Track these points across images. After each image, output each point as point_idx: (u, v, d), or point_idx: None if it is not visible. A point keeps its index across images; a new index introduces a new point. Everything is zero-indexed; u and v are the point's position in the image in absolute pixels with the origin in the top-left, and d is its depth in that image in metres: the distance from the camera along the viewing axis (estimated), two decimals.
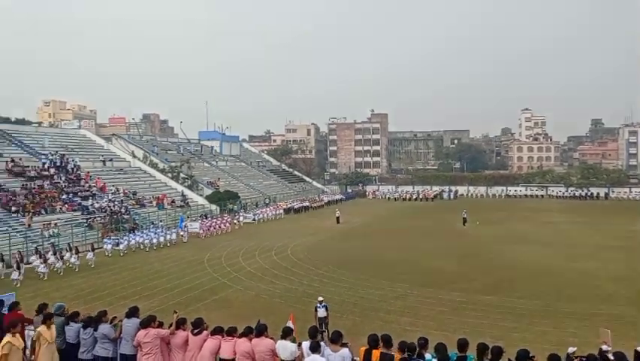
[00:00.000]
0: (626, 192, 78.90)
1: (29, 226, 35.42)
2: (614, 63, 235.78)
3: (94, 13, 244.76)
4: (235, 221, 48.11)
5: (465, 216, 46.98)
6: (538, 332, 17.03)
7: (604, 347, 9.33)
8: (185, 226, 41.34)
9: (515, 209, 60.07)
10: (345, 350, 8.24)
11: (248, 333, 9.06)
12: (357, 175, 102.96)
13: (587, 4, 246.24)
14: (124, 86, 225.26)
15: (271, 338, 8.89)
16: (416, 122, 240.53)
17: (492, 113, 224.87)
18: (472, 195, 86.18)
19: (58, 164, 48.46)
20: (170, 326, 9.60)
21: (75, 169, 49.37)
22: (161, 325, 9.69)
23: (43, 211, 38.51)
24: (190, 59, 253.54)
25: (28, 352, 9.59)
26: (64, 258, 28.68)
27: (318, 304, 16.63)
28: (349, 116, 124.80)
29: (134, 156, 63.11)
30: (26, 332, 10.44)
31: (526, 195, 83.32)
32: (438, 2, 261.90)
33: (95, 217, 40.91)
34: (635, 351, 8.08)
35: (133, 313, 10.03)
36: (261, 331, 8.88)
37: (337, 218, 49.61)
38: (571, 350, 9.04)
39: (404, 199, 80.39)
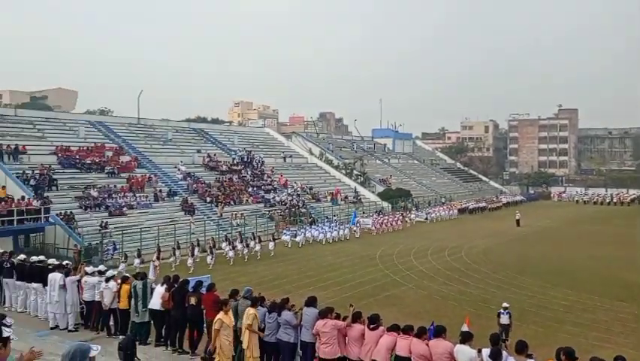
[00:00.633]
0: None
1: (221, 215, 39.27)
2: None
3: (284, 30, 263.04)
4: (407, 219, 47.93)
5: None
6: None
7: None
8: (357, 222, 42.29)
9: None
10: None
11: (422, 333, 8.84)
12: (540, 175, 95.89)
13: None
14: (302, 87, 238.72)
15: (449, 341, 8.56)
16: (611, 118, 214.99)
17: None
18: None
19: (245, 159, 53.04)
20: (346, 318, 9.79)
21: (259, 164, 53.56)
22: (338, 316, 9.92)
23: (232, 202, 42.41)
24: (364, 54, 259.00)
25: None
26: (249, 246, 31.19)
27: (502, 311, 15.83)
28: (532, 112, 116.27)
29: (311, 153, 66.43)
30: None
31: None
32: None
33: (276, 210, 43.93)
34: None
35: (311, 302, 10.43)
36: (439, 332, 8.60)
37: (517, 221, 46.67)
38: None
39: (595, 203, 72.78)
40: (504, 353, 7.95)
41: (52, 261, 15.51)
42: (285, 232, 37.04)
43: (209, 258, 27.95)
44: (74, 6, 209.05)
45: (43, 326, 13.69)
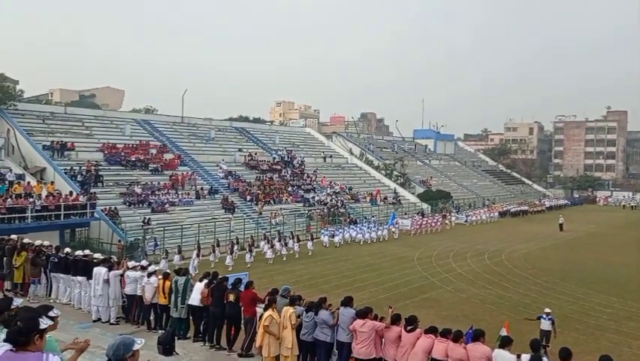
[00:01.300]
0: None
1: (260, 213, 39.70)
2: None
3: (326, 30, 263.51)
4: (447, 221, 47.32)
5: None
6: None
7: None
8: (396, 223, 42.01)
9: None
10: None
11: (459, 337, 8.75)
12: (586, 179, 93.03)
13: None
14: (344, 87, 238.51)
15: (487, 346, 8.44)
16: None
17: None
18: None
19: (285, 159, 53.43)
20: (382, 319, 9.78)
21: (300, 164, 53.83)
22: (376, 317, 9.92)
23: (271, 201, 42.80)
24: (406, 56, 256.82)
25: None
26: (288, 245, 31.39)
27: (544, 316, 15.28)
28: (579, 114, 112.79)
29: (352, 153, 66.31)
30: (257, 309, 11.66)
31: None
32: None
33: (315, 209, 44.08)
34: None
35: (348, 302, 10.45)
36: (477, 336, 8.50)
37: (560, 225, 45.41)
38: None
39: None
40: (545, 359, 7.79)
41: (97, 255, 16.01)
42: (322, 231, 37.13)
43: (247, 256, 28.26)
44: (131, 17, 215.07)
45: (86, 318, 14.09)
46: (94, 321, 13.77)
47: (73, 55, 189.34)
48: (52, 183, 31.80)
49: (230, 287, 12.00)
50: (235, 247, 28.80)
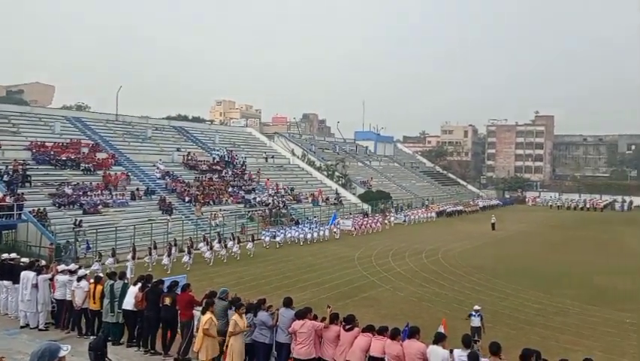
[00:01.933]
0: None
1: (200, 214, 38.99)
2: None
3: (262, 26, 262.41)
4: (386, 221, 48.20)
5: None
6: None
7: None
8: (337, 223, 42.37)
9: None
10: None
11: (396, 334, 8.90)
12: (516, 180, 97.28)
13: None
14: (286, 88, 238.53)
15: (422, 342, 8.63)
16: (586, 125, 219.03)
17: None
18: None
19: (226, 159, 52.75)
20: (324, 319, 9.81)
21: (241, 164, 53.29)
22: (315, 317, 9.94)
23: (211, 202, 42.13)
24: (346, 59, 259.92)
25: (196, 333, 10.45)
26: (228, 246, 31.00)
27: (473, 313, 15.77)
28: (510, 117, 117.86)
29: (294, 154, 66.36)
30: (194, 312, 11.43)
31: None
32: None
33: (256, 210, 43.77)
34: None
35: (288, 303, 10.42)
36: (413, 333, 8.68)
37: (493, 224, 47.25)
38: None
39: (568, 208, 74.13)
40: (480, 354, 8.04)
41: (25, 259, 15.25)
42: (264, 232, 36.93)
43: (186, 258, 27.71)
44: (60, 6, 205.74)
45: (13, 324, 13.48)
46: (21, 327, 13.22)
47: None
48: None
49: (166, 290, 11.70)
50: (173, 249, 28.14)
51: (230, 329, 9.84)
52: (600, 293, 23.41)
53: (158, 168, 43.98)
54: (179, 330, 11.49)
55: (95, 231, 30.12)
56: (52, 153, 38.34)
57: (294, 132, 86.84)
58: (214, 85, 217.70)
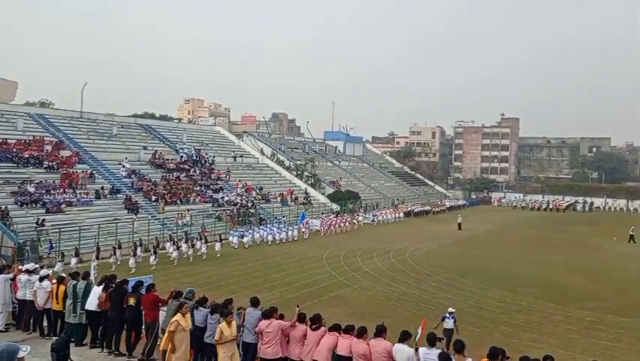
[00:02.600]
0: None
1: (162, 212, 38.45)
2: None
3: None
4: (354, 221, 48.47)
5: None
6: None
7: None
8: (306, 223, 42.40)
9: None
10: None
11: (362, 333, 8.97)
12: (482, 181, 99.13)
13: None
14: (255, 87, 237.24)
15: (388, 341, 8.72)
16: (550, 128, 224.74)
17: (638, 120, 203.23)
18: (609, 208, 79.13)
19: (194, 158, 52.17)
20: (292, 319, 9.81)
21: (209, 163, 52.78)
22: (282, 317, 9.93)
23: (178, 201, 41.62)
24: (319, 60, 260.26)
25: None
26: (195, 246, 30.71)
27: (447, 315, 15.71)
28: (477, 119, 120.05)
29: (263, 153, 66.09)
30: (160, 312, 11.30)
31: None
32: None
33: (224, 210, 43.44)
34: None
35: (255, 303, 10.39)
36: (379, 332, 8.76)
37: (459, 224, 48.04)
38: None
39: (532, 209, 75.93)
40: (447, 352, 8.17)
41: None
42: (232, 232, 36.69)
43: (152, 258, 27.35)
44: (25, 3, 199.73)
45: None
46: None
47: None
48: None
49: (130, 290, 11.52)
50: (138, 249, 27.78)
51: (216, 337, 9.53)
52: (561, 292, 24.07)
53: (123, 166, 43.21)
54: (143, 331, 11.33)
55: (58, 230, 29.41)
56: (14, 150, 37.26)
57: (264, 132, 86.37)
58: (182, 83, 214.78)
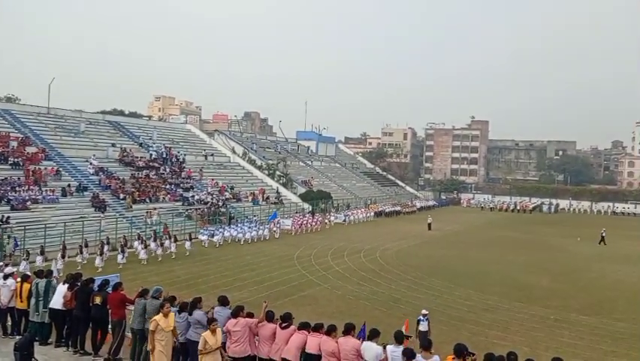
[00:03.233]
0: None
1: (129, 207, 37.92)
2: None
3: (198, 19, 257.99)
4: (326, 220, 48.57)
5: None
6: (638, 359, 15.83)
7: None
8: (277, 222, 42.30)
9: (621, 227, 55.59)
10: (436, 358, 8.02)
11: (331, 331, 9.04)
12: (452, 182, 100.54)
13: None
14: (227, 86, 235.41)
15: (357, 339, 8.81)
16: (518, 131, 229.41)
17: (603, 125, 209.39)
18: (574, 209, 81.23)
19: (164, 156, 51.52)
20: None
21: (179, 162, 52.20)
22: (250, 315, 9.91)
23: (147, 200, 41.05)
24: (291, 59, 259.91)
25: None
26: (164, 245, 30.34)
27: (422, 318, 15.78)
28: (448, 121, 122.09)
29: (234, 152, 65.66)
30: (127, 311, 11.17)
31: (634, 214, 76.97)
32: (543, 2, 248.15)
33: (195, 208, 43.04)
34: None
35: (223, 302, 10.35)
36: (348, 330, 8.83)
37: (429, 225, 48.61)
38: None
39: (500, 210, 77.30)
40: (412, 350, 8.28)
41: None
42: (202, 231, 36.36)
43: (119, 257, 26.92)
44: None
45: None
46: None
47: None
48: None
49: (96, 289, 11.35)
50: (106, 248, 27.29)
51: (199, 347, 9.17)
52: (527, 291, 24.59)
53: (91, 163, 42.40)
54: (110, 330, 11.18)
55: (23, 228, 28.68)
56: None
57: (235, 130, 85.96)
58: (153, 80, 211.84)
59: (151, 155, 50.34)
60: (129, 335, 11.03)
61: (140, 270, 26.05)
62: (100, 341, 11.23)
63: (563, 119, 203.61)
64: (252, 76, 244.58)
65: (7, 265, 13.72)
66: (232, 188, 52.04)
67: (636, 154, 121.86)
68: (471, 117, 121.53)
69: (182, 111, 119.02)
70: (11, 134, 40.35)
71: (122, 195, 39.54)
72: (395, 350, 8.34)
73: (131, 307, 10.99)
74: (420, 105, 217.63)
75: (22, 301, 12.03)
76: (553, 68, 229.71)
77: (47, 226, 30.27)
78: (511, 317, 20.22)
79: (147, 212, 37.93)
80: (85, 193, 37.85)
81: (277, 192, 57.63)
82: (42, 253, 25.04)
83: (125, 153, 47.45)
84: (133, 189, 41.03)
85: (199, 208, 43.35)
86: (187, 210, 42.52)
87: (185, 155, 54.70)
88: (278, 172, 64.06)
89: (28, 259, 23.71)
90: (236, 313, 9.73)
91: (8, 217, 29.79)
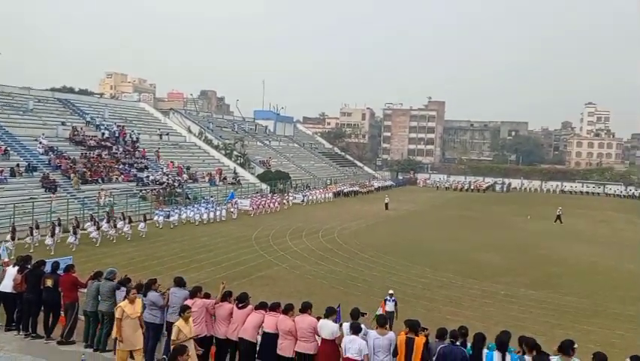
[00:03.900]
0: None
1: (76, 187, 36.88)
2: None
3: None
4: (284, 201, 48.56)
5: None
6: (582, 331, 16.69)
7: None
8: (235, 203, 42.00)
9: (570, 205, 57.86)
10: (391, 334, 8.19)
11: (289, 310, 9.10)
12: (409, 162, 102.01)
13: None
14: (184, 63, 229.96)
15: (315, 317, 8.90)
16: (474, 112, 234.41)
17: (554, 106, 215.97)
18: (525, 188, 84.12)
19: (116, 135, 50.12)
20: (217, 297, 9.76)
21: (132, 141, 50.91)
22: (207, 296, 9.86)
23: (100, 180, 39.95)
24: (247, 37, 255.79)
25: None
26: (118, 226, 29.69)
27: (388, 298, 16.12)
28: (406, 102, 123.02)
29: (190, 132, 64.43)
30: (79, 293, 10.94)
31: (582, 192, 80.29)
32: None
33: (150, 189, 42.20)
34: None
35: (180, 283, 10.25)
36: (305, 308, 8.91)
37: (386, 204, 49.29)
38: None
39: (455, 189, 79.13)
40: (363, 326, 8.44)
41: None
42: (157, 212, 35.75)
43: (71, 238, 26.19)
44: None
45: None
46: None
47: None
48: None
49: (48, 272, 11.05)
50: (57, 229, 26.49)
51: (173, 337, 8.65)
52: (479, 268, 25.40)
53: (40, 143, 40.86)
54: (62, 313, 10.93)
55: None
56: None
57: (191, 109, 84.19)
58: (104, 56, 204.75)
59: (103, 134, 48.87)
60: (82, 317, 10.81)
61: (94, 252, 25.48)
62: (52, 324, 10.98)
63: (516, 101, 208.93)
64: (208, 53, 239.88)
65: None
66: (188, 168, 51.23)
67: (584, 135, 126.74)
68: (428, 98, 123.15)
69: (135, 89, 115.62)
70: None
71: (72, 176, 38.34)
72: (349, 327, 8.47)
73: (84, 290, 10.76)
74: (379, 86, 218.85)
75: None
76: (505, 49, 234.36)
77: None
78: (464, 293, 20.88)
79: (99, 193, 36.94)
80: (34, 173, 36.53)
81: (234, 172, 57.08)
82: None
83: (75, 132, 45.91)
84: (84, 169, 39.86)
85: (154, 189, 42.53)
86: (141, 190, 41.65)
87: (139, 134, 53.35)
88: (235, 152, 63.36)
89: None
90: (194, 293, 9.66)
91: None
